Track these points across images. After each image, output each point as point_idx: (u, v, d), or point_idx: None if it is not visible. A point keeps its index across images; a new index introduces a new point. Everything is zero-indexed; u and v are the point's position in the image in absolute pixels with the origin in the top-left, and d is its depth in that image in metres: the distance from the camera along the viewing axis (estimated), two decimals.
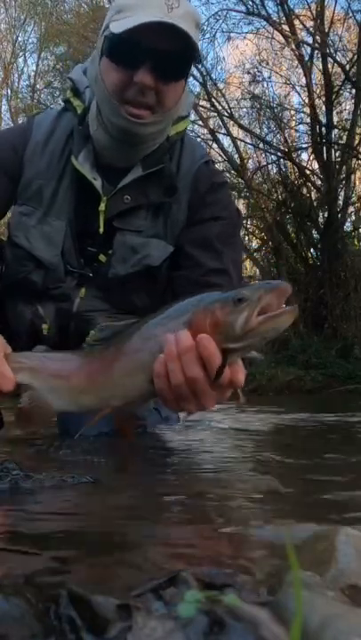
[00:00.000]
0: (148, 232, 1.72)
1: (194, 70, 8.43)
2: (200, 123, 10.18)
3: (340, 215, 9.71)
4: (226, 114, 10.16)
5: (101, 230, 1.71)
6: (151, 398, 1.45)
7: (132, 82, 1.55)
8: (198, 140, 9.82)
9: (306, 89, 9.58)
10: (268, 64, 10.52)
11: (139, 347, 1.37)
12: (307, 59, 9.48)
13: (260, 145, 10.50)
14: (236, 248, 1.82)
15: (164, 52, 1.53)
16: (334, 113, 9.56)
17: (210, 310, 1.27)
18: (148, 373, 1.32)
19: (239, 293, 1.24)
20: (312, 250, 10.06)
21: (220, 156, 10.27)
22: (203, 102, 9.87)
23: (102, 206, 1.70)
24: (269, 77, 10.66)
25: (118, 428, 1.52)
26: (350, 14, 9.50)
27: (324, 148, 9.47)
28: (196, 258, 1.71)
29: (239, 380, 1.29)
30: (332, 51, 9.26)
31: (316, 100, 9.53)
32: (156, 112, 1.60)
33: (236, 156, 10.56)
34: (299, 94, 10.55)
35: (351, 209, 10.40)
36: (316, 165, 10.01)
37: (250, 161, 10.78)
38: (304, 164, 10.31)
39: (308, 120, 9.85)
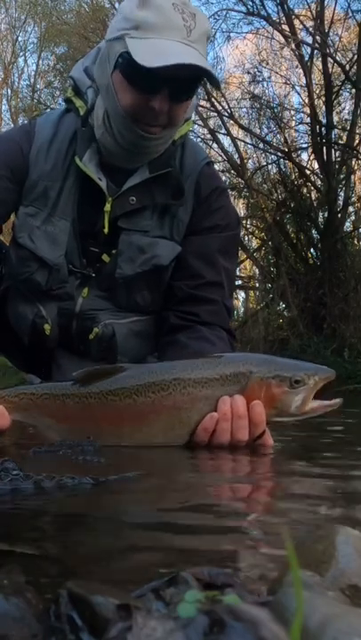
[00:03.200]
0: (154, 232, 1.73)
1: None
2: (200, 123, 10.17)
3: (340, 215, 9.70)
4: (226, 114, 10.16)
5: (106, 230, 1.71)
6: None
7: (148, 106, 1.55)
8: (198, 140, 9.84)
9: (306, 89, 9.58)
10: (267, 64, 10.53)
11: (186, 404, 1.39)
12: (307, 59, 9.48)
13: (260, 145, 10.51)
14: (233, 258, 1.89)
15: (183, 81, 1.54)
16: (334, 113, 9.56)
17: (267, 384, 1.36)
18: (192, 428, 1.39)
19: (297, 375, 1.34)
20: (312, 250, 10.06)
21: (220, 156, 10.27)
22: (203, 102, 9.86)
23: (107, 206, 1.70)
24: (269, 77, 10.67)
25: None
26: (350, 14, 9.51)
27: (324, 148, 9.46)
28: (195, 269, 1.75)
29: (269, 444, 1.42)
30: (331, 51, 9.26)
31: (316, 100, 9.53)
32: (166, 128, 1.62)
33: (236, 156, 10.56)
34: (299, 94, 10.57)
35: (351, 209, 10.40)
36: (316, 165, 10.01)
37: (250, 161, 10.79)
38: (304, 164, 10.31)
39: (308, 120, 9.85)
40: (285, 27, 9.55)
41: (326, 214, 9.62)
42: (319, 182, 9.88)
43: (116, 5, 11.30)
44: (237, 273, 11.02)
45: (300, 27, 9.67)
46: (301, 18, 9.72)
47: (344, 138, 9.73)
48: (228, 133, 10.62)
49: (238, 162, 10.36)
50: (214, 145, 10.44)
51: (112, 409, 1.40)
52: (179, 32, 1.48)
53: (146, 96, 1.55)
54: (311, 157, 10.19)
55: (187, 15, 1.50)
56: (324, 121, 9.46)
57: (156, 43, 1.48)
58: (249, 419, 1.36)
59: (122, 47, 1.54)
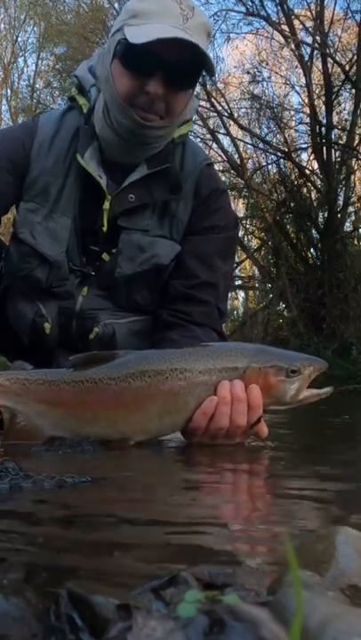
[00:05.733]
0: (154, 232, 1.73)
1: None
2: (200, 123, 10.18)
3: (340, 215, 9.71)
4: (226, 114, 10.17)
5: (105, 229, 1.71)
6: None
7: (144, 90, 1.56)
8: (198, 140, 9.85)
9: (306, 89, 9.59)
10: (267, 64, 10.55)
11: (183, 389, 1.39)
12: (306, 59, 9.49)
13: (260, 145, 10.52)
14: (230, 260, 1.90)
15: (177, 64, 1.55)
16: (334, 113, 9.58)
17: (264, 372, 1.38)
18: (189, 414, 1.39)
19: (293, 365, 1.38)
20: (312, 250, 10.07)
21: (219, 156, 10.28)
22: (202, 102, 9.86)
23: (106, 204, 1.70)
24: (269, 77, 10.69)
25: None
26: (350, 14, 9.51)
27: (324, 148, 9.47)
28: (192, 269, 1.75)
29: (264, 432, 1.44)
30: (331, 51, 9.27)
31: (316, 100, 9.53)
32: (164, 118, 1.62)
33: (235, 156, 10.56)
34: (299, 94, 10.59)
35: (351, 209, 10.42)
36: (316, 165, 10.02)
37: (250, 161, 10.79)
38: (304, 164, 10.31)
39: (308, 120, 9.86)
40: (285, 27, 9.56)
41: (326, 214, 9.63)
42: (319, 182, 9.89)
43: (116, 5, 11.31)
44: (237, 273, 11.06)
45: (300, 27, 9.68)
46: (301, 18, 9.73)
47: (344, 138, 9.74)
48: (228, 133, 10.62)
49: (238, 162, 10.37)
50: (214, 145, 10.45)
51: (107, 394, 1.38)
52: (174, 18, 1.51)
53: (141, 80, 1.56)
54: (311, 157, 10.21)
55: (184, 6, 1.53)
56: (324, 121, 9.47)
57: (150, 26, 1.52)
58: (247, 403, 1.37)
59: (120, 36, 1.58)
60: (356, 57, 9.12)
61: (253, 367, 1.38)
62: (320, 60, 9.37)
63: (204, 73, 1.66)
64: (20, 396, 1.40)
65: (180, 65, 1.55)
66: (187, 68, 1.58)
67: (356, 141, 9.57)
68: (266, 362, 1.39)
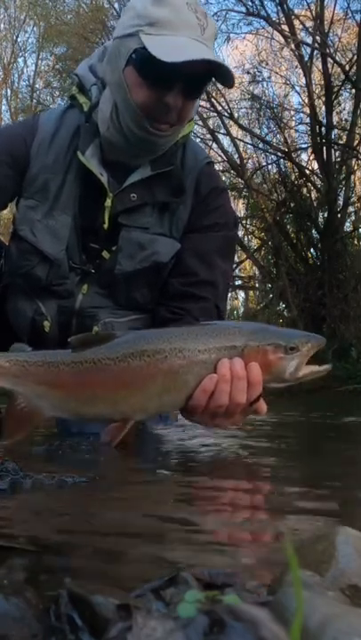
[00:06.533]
0: (154, 229, 1.74)
1: None
2: (200, 123, 10.17)
3: (339, 215, 9.70)
4: (226, 114, 10.16)
5: (106, 226, 1.72)
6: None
7: (162, 101, 1.57)
8: (198, 140, 9.84)
9: (306, 89, 9.57)
10: (267, 64, 10.53)
11: (182, 367, 1.39)
12: (306, 59, 9.47)
13: (260, 145, 10.51)
14: (229, 259, 1.90)
15: (196, 76, 1.57)
16: (334, 113, 9.56)
17: (263, 350, 1.38)
18: (190, 392, 1.38)
19: (292, 342, 1.38)
20: (312, 250, 10.06)
21: (219, 156, 10.27)
22: (202, 102, 9.86)
23: (108, 202, 1.71)
24: (269, 77, 10.67)
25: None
26: (350, 14, 9.51)
27: (324, 148, 9.46)
28: (191, 267, 1.75)
29: (263, 409, 1.44)
30: (331, 51, 9.26)
31: (316, 101, 9.52)
32: (174, 125, 1.64)
33: (235, 156, 10.56)
34: (299, 94, 10.57)
35: (351, 209, 10.40)
36: (316, 165, 10.01)
37: (250, 161, 10.78)
38: (304, 164, 10.31)
39: (308, 120, 9.85)
40: (285, 27, 9.55)
41: (326, 214, 9.62)
42: (319, 182, 9.88)
43: (116, 5, 11.31)
44: (237, 273, 11.06)
45: (300, 27, 9.67)
46: (301, 18, 9.72)
47: (344, 138, 9.73)
48: (228, 133, 10.62)
49: (238, 162, 10.36)
50: (214, 145, 10.43)
51: (107, 373, 1.38)
52: (193, 30, 1.52)
53: (160, 92, 1.57)
54: (311, 157, 10.20)
55: (199, 14, 1.54)
56: (324, 121, 9.47)
57: (172, 39, 1.51)
58: (247, 381, 1.37)
59: (136, 43, 1.56)
60: (356, 57, 9.11)
61: (252, 345, 1.38)
62: (320, 60, 9.35)
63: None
64: (20, 378, 1.41)
65: (199, 77, 1.58)
66: (203, 79, 1.62)
67: (357, 141, 9.56)
68: (264, 339, 1.40)
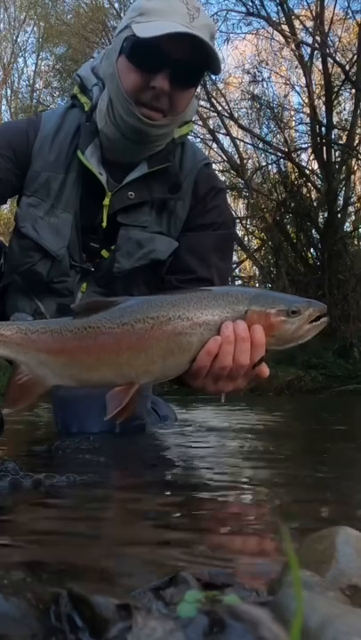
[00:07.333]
0: (152, 228, 1.75)
1: None
2: (200, 123, 10.18)
3: (339, 215, 9.71)
4: (226, 114, 10.16)
5: (104, 225, 1.73)
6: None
7: (149, 86, 1.58)
8: (198, 140, 9.85)
9: (306, 89, 9.58)
10: (267, 64, 10.54)
11: (186, 329, 1.38)
12: (306, 59, 9.49)
13: (260, 145, 10.51)
14: (226, 258, 1.91)
15: (183, 61, 1.57)
16: (334, 113, 9.57)
17: (266, 313, 1.38)
18: (193, 355, 1.38)
19: (293, 305, 1.39)
20: (312, 250, 10.07)
21: (220, 156, 10.27)
22: (202, 102, 9.87)
23: (106, 201, 1.72)
24: (269, 77, 10.68)
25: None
26: (350, 15, 9.51)
27: (324, 148, 9.47)
28: (188, 264, 1.76)
29: (266, 373, 1.44)
30: (331, 51, 9.26)
31: (316, 101, 9.53)
32: (167, 115, 1.64)
33: (235, 156, 10.56)
34: (299, 94, 10.57)
35: (351, 209, 10.40)
36: (316, 165, 10.02)
37: (250, 161, 10.79)
38: (304, 164, 10.31)
39: (308, 120, 9.86)
40: (285, 27, 9.55)
41: (326, 214, 9.63)
42: (319, 182, 9.89)
43: (116, 5, 11.31)
44: (237, 273, 11.07)
45: (300, 27, 9.68)
46: (301, 18, 9.73)
47: (344, 138, 9.73)
48: (228, 133, 10.62)
49: (238, 162, 10.36)
50: (214, 145, 10.44)
51: (110, 337, 1.37)
52: (182, 17, 1.55)
53: (146, 75, 1.59)
54: (311, 157, 10.21)
55: (190, 6, 1.57)
56: (324, 121, 9.47)
57: (159, 23, 1.55)
58: (250, 342, 1.37)
59: (127, 33, 1.61)
60: (356, 57, 9.11)
61: (254, 309, 1.39)
62: (320, 60, 9.36)
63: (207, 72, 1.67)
64: (22, 346, 1.40)
65: (186, 62, 1.58)
66: (192, 65, 1.61)
67: (357, 141, 9.57)
68: (267, 303, 1.40)
